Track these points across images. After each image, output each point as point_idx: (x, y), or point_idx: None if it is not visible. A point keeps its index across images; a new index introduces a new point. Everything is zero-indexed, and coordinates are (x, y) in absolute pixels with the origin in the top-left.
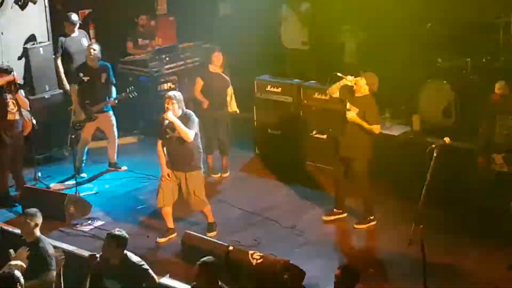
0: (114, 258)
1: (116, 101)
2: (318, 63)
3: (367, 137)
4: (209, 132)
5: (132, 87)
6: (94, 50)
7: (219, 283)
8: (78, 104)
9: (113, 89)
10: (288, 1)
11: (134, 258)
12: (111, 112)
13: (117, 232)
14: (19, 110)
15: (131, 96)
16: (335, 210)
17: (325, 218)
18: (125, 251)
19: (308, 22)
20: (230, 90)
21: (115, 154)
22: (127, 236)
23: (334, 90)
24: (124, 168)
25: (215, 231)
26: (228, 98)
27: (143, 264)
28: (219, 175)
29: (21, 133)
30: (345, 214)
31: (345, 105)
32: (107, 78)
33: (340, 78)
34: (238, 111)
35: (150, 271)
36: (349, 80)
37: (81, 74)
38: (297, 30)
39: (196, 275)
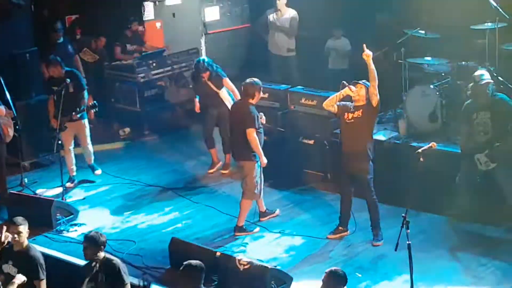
0: (95, 260)
1: (78, 115)
2: (303, 70)
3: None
4: (210, 129)
5: (95, 102)
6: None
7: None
8: (53, 114)
9: (85, 95)
10: (274, 7)
11: (114, 260)
12: (85, 120)
13: (93, 234)
14: None
15: (93, 111)
16: (340, 228)
17: (329, 236)
18: (105, 253)
19: (294, 29)
20: (222, 93)
21: (92, 158)
22: (104, 236)
23: (332, 103)
24: (98, 172)
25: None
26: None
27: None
28: (213, 170)
29: (1, 141)
30: (348, 232)
31: (344, 116)
32: (75, 86)
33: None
34: None
35: (126, 278)
36: (352, 90)
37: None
38: (283, 37)
39: (180, 277)
